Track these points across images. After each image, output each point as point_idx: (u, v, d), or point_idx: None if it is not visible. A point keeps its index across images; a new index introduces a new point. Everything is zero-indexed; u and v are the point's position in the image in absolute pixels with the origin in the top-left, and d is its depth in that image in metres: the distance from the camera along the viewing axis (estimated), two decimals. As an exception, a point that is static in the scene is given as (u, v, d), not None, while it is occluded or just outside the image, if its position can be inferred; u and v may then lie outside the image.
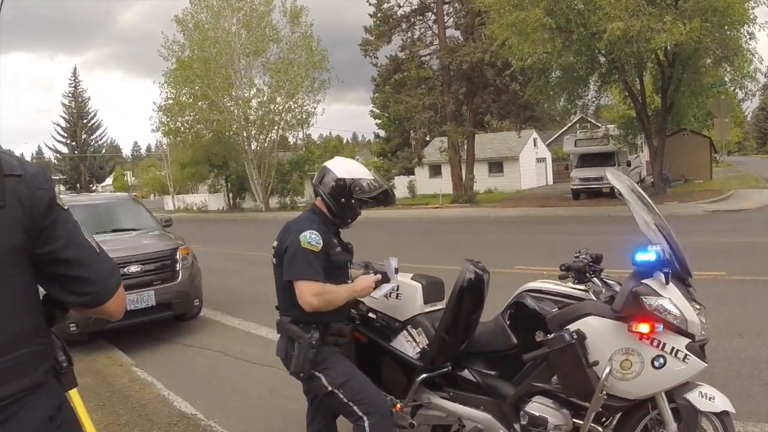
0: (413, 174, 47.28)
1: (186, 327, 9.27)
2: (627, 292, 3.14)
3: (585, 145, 32.19)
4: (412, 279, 3.99)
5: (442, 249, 16.07)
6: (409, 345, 3.80)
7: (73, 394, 2.08)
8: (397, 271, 3.59)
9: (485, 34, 28.78)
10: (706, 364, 3.15)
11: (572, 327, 3.24)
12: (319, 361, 3.34)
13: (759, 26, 21.48)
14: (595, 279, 3.59)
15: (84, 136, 74.82)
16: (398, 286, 3.81)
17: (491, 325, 3.80)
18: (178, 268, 8.69)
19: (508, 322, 3.69)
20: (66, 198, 11.81)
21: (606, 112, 40.62)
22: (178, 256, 8.78)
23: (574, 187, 30.18)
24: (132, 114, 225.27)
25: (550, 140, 56.55)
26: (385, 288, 3.53)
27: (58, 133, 76.82)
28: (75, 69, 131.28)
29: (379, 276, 3.52)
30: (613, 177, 3.73)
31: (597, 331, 3.23)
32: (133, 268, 8.16)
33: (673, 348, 3.11)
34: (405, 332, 3.83)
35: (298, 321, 3.39)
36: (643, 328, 3.09)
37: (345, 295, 3.42)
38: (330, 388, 3.35)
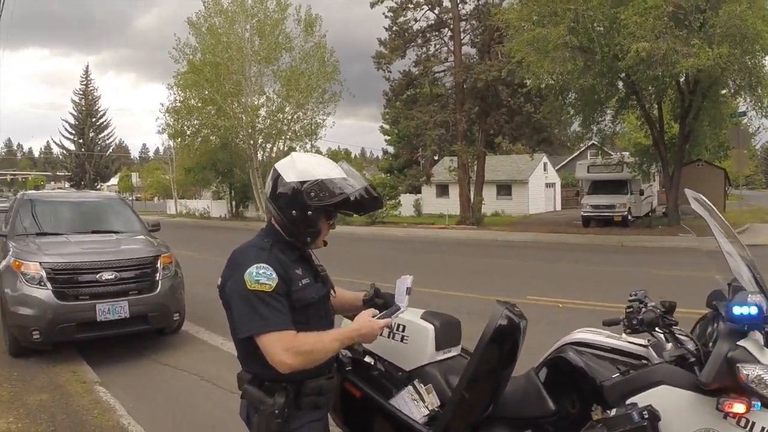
0: (420, 192, 46.56)
1: (164, 342, 8.46)
2: (720, 358, 2.31)
3: (598, 172, 31.36)
4: (422, 318, 3.13)
5: (448, 273, 15.23)
6: (414, 405, 2.90)
7: None
8: (409, 291, 2.71)
9: (502, 53, 28.17)
10: None
11: (639, 400, 2.44)
12: None
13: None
14: (657, 331, 2.76)
15: (92, 134, 74.94)
16: (405, 327, 3.03)
17: (522, 384, 2.95)
18: (157, 278, 7.91)
19: (544, 382, 2.85)
20: (45, 192, 11.11)
21: (618, 139, 39.87)
22: (158, 265, 8.00)
23: (585, 214, 29.36)
24: (142, 116, 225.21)
25: (560, 165, 55.92)
26: (389, 315, 2.62)
27: (66, 129, 76.99)
28: (87, 67, 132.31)
29: (387, 321, 2.58)
30: (694, 199, 2.88)
31: (672, 407, 2.41)
32: (107, 275, 7.39)
33: (763, 429, 2.31)
34: (411, 388, 2.94)
35: (262, 379, 2.48)
36: (739, 407, 2.27)
37: (334, 344, 2.48)
38: None
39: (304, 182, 2.46)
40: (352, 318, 2.67)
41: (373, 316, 2.53)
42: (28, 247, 7.80)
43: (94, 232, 8.81)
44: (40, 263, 7.23)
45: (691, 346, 2.63)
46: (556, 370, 2.85)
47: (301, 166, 2.53)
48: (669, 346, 2.71)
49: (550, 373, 2.89)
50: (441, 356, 3.06)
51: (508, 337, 2.72)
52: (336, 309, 2.86)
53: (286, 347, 2.31)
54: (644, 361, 2.77)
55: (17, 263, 7.30)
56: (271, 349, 2.32)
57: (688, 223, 26.51)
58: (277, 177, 2.54)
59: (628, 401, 2.46)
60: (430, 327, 3.05)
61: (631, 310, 2.83)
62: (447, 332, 3.11)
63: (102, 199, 10.56)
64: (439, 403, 2.86)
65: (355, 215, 2.95)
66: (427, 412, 2.85)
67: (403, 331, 3.05)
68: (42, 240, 8.11)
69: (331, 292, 2.78)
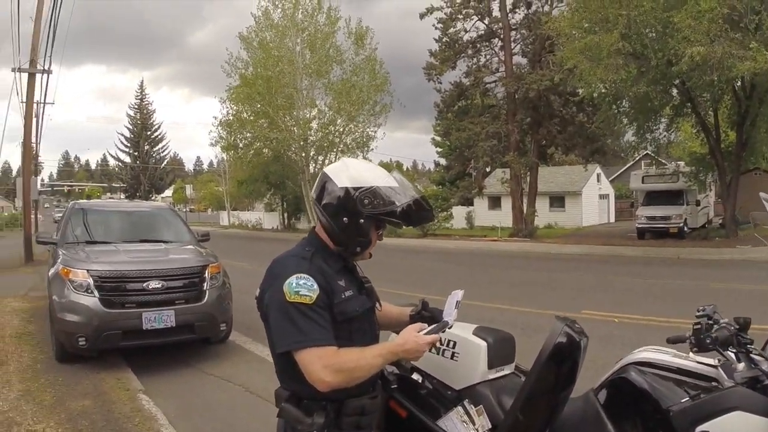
0: (472, 204, 46.13)
1: (210, 352, 8.40)
2: None
3: (653, 182, 30.46)
4: (474, 334, 2.90)
5: (500, 286, 14.92)
6: (464, 427, 2.68)
7: None
8: (458, 305, 2.49)
9: (553, 62, 27.77)
10: None
11: (710, 427, 2.20)
12: None
13: None
14: (730, 350, 2.49)
15: (146, 147, 76.76)
16: (455, 343, 2.82)
17: (581, 407, 2.69)
18: (205, 288, 7.85)
19: (603, 405, 2.60)
20: (96, 202, 11.26)
21: (673, 149, 38.74)
22: (206, 275, 7.94)
23: (640, 226, 28.56)
24: (196, 130, 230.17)
25: (613, 176, 54.72)
26: (436, 330, 2.37)
27: (122, 143, 79.11)
28: (142, 82, 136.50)
29: (434, 338, 2.35)
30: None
31: None
32: (153, 284, 7.34)
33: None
34: (460, 408, 2.72)
35: (300, 397, 2.31)
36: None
37: (377, 360, 2.26)
38: None
39: (358, 188, 2.30)
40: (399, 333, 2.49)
41: (420, 331, 2.32)
42: (77, 254, 7.86)
43: (143, 241, 8.85)
44: (88, 271, 7.25)
45: (765, 366, 2.35)
46: (618, 391, 2.61)
47: (354, 172, 2.37)
48: (741, 366, 2.43)
49: (610, 395, 2.65)
50: (493, 375, 2.84)
51: (567, 356, 2.48)
52: (381, 324, 2.67)
53: (325, 364, 2.14)
54: (714, 384, 2.51)
55: (65, 270, 7.34)
56: (310, 365, 2.15)
57: (744, 233, 25.61)
58: (326, 181, 2.37)
59: (698, 429, 2.22)
60: (483, 344, 2.83)
61: (699, 326, 2.57)
62: (500, 349, 2.88)
63: (152, 209, 10.64)
64: (490, 426, 2.64)
65: (406, 227, 2.76)
66: None
67: (454, 347, 2.84)
68: (91, 248, 8.17)
69: (377, 305, 2.58)
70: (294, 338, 2.17)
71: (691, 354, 2.63)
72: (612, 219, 50.65)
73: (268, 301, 2.29)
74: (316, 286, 2.20)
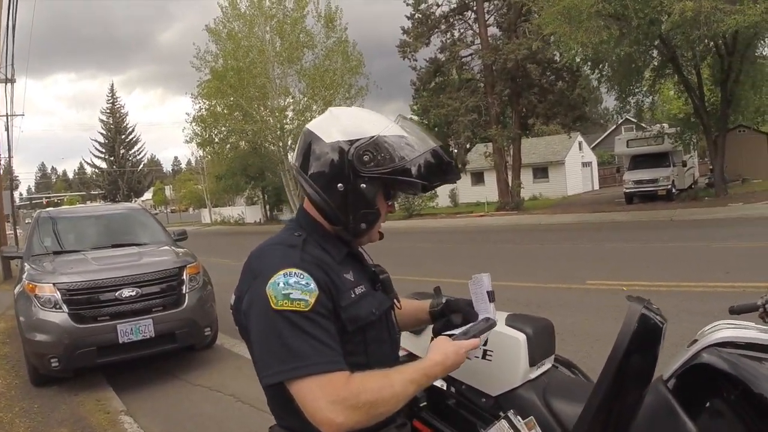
0: (455, 182, 45.64)
1: (196, 360, 7.81)
2: None
3: (638, 146, 30.07)
4: (508, 325, 2.28)
5: (496, 261, 14.39)
6: None
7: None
8: (491, 297, 1.93)
9: (529, 30, 27.24)
10: None
11: None
12: None
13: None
14: None
15: (122, 151, 75.89)
16: (487, 339, 2.05)
17: (650, 403, 2.09)
18: (184, 291, 7.23)
19: (677, 398, 2.02)
20: (63, 209, 10.58)
21: (655, 112, 38.47)
22: (184, 276, 7.31)
23: (627, 190, 28.23)
24: (171, 130, 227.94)
25: (594, 144, 54.47)
26: (474, 333, 1.78)
27: (97, 149, 78.19)
28: (112, 86, 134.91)
29: (476, 342, 1.76)
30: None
31: None
32: (127, 292, 6.71)
33: None
34: (504, 423, 2.03)
35: None
36: None
37: (409, 388, 1.59)
38: None
39: (354, 141, 1.68)
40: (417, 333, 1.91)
41: (450, 335, 1.73)
42: (42, 267, 7.19)
43: (114, 246, 8.18)
44: (54, 284, 6.60)
45: None
46: (694, 378, 2.03)
47: (347, 122, 1.75)
48: None
49: (681, 383, 2.06)
50: (535, 373, 2.24)
51: (648, 346, 1.90)
52: (399, 326, 2.04)
53: (333, 398, 1.48)
54: None
55: (30, 286, 6.69)
56: (311, 402, 1.49)
57: (733, 191, 25.37)
58: (311, 141, 1.75)
59: None
60: (521, 336, 2.21)
61: None
62: (541, 341, 2.27)
63: (123, 210, 9.95)
64: None
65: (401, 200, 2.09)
66: None
67: (485, 344, 2.17)
68: (58, 259, 7.50)
69: (395, 303, 1.96)
70: (285, 363, 1.51)
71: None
72: (596, 186, 50.59)
73: (246, 311, 1.64)
74: (313, 284, 1.57)
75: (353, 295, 1.69)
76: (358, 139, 1.68)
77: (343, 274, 1.71)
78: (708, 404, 1.98)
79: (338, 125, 1.73)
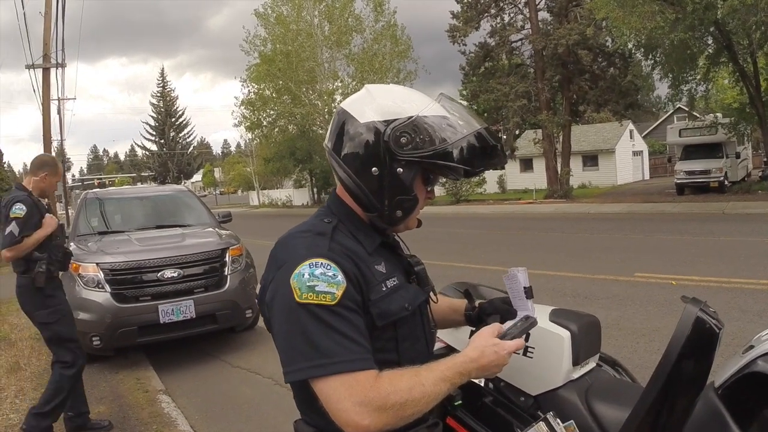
0: (503, 168, 45.20)
1: (236, 341, 7.86)
2: None
3: (691, 135, 29.16)
4: (551, 321, 2.13)
5: (543, 250, 14.11)
6: None
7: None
8: (529, 293, 1.81)
9: (581, 14, 26.64)
10: None
11: None
12: None
13: None
14: None
15: (172, 134, 77.13)
16: (528, 334, 1.98)
17: (700, 413, 1.94)
18: (226, 273, 7.24)
19: (728, 406, 1.87)
20: (110, 190, 10.72)
21: (710, 101, 37.32)
22: (227, 258, 7.33)
23: (679, 181, 27.35)
24: (221, 113, 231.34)
25: (645, 132, 53.18)
26: (514, 334, 1.63)
27: (147, 132, 79.73)
28: (162, 70, 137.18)
29: (519, 344, 1.62)
30: None
31: None
32: (169, 273, 6.77)
33: None
34: (543, 426, 1.88)
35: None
36: None
37: (441, 387, 1.48)
38: None
39: (391, 122, 1.56)
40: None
41: (498, 334, 1.60)
42: (87, 247, 7.29)
43: (158, 227, 8.26)
44: (98, 264, 6.69)
45: None
46: (747, 388, 1.88)
47: (383, 101, 1.61)
48: None
49: (732, 392, 1.91)
50: (578, 373, 2.11)
51: (704, 350, 1.77)
52: (435, 321, 1.92)
53: (360, 399, 1.38)
54: None
55: (75, 265, 6.75)
56: (337, 402, 1.39)
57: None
58: (345, 121, 1.63)
59: None
60: (565, 334, 2.07)
61: None
62: (586, 338, 2.13)
63: (169, 191, 10.04)
64: None
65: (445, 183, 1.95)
66: None
67: (527, 340, 2.08)
68: (103, 239, 7.61)
69: (431, 297, 1.83)
70: (309, 360, 1.41)
71: None
72: (647, 176, 49.42)
73: (269, 302, 1.54)
74: (340, 276, 1.46)
75: (384, 288, 1.57)
76: (395, 119, 1.56)
77: (375, 266, 1.60)
78: (761, 415, 1.83)
79: (374, 104, 1.61)
